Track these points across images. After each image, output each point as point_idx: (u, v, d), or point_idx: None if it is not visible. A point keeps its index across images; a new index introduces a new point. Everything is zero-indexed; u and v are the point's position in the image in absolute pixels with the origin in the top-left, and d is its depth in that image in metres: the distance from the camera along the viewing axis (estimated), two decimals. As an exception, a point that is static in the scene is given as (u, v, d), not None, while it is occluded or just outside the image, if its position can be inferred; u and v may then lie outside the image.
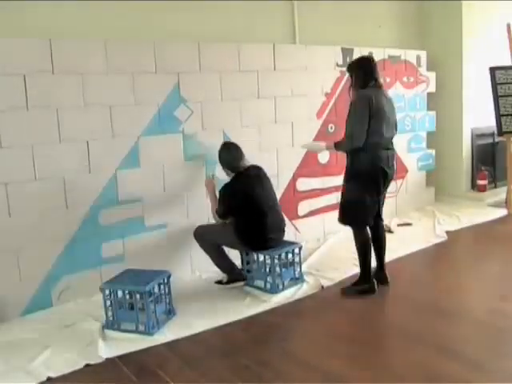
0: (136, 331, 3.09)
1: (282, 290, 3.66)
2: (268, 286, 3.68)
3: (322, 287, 3.72)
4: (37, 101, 3.34)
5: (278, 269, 3.71)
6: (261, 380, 2.56)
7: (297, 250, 3.82)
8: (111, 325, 3.15)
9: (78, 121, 3.51)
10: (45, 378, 2.61)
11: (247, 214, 3.57)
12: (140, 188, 3.82)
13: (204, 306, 3.46)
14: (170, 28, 4.08)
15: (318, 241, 4.84)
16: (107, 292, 3.16)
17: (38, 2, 3.48)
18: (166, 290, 3.29)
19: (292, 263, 3.79)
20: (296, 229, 4.78)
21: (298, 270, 3.83)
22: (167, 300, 3.29)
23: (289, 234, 4.67)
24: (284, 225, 3.83)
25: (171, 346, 2.94)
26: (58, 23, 3.55)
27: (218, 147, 3.76)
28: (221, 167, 3.76)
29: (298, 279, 3.80)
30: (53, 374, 2.64)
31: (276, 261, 3.68)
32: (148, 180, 3.86)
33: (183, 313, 3.34)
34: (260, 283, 3.73)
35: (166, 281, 3.28)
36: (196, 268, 4.13)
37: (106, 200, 3.67)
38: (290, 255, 3.78)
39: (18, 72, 3.26)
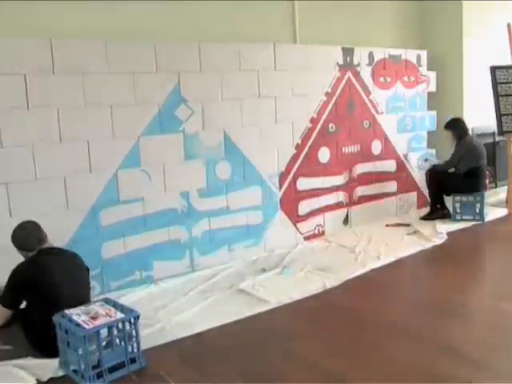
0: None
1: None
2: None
3: (326, 287, 3.69)
4: (37, 101, 3.34)
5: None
6: (261, 380, 2.55)
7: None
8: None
9: (78, 121, 3.51)
10: (45, 379, 2.60)
11: (38, 305, 2.78)
12: (140, 188, 3.82)
13: (204, 305, 3.45)
14: (171, 28, 4.08)
15: (318, 240, 4.84)
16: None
17: (38, 2, 3.48)
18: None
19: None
20: (296, 228, 4.78)
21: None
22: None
23: (289, 234, 4.72)
24: None
25: (171, 345, 2.94)
26: (58, 23, 3.55)
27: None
28: None
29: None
30: (52, 375, 2.63)
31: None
32: (148, 180, 3.86)
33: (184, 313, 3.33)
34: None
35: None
36: (196, 267, 4.13)
37: (106, 200, 3.66)
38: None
39: (19, 72, 3.26)
